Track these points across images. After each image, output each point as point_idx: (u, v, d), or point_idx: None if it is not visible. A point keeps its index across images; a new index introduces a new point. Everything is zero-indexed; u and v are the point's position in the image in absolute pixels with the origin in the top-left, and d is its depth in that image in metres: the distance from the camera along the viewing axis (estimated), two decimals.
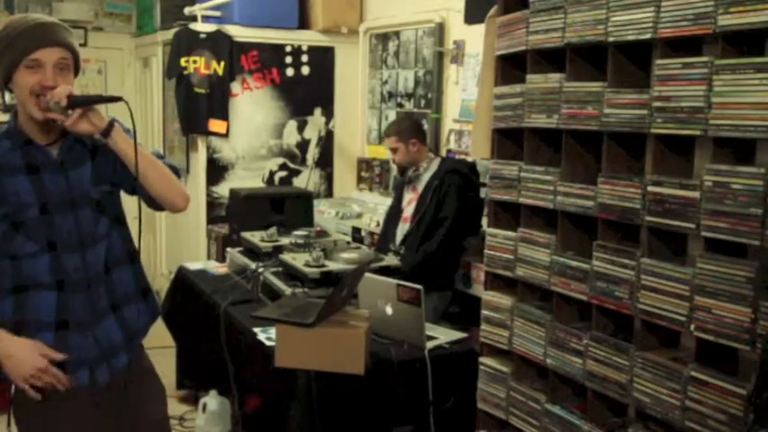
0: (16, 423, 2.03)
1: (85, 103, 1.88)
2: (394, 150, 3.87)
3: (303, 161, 5.48)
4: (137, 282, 2.15)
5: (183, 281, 4.10)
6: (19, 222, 1.92)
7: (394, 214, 4.04)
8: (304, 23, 5.40)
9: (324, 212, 4.98)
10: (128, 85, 6.58)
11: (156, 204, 2.08)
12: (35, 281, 1.96)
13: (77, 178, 2.00)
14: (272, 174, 5.39)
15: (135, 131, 2.00)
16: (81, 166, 2.01)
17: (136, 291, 2.15)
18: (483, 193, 3.64)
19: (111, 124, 1.92)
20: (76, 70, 2.00)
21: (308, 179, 5.41)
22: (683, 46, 2.06)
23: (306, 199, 4.62)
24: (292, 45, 5.33)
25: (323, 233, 4.09)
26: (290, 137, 5.43)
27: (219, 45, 5.09)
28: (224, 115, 5.16)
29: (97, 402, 2.05)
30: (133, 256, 2.15)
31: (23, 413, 2.02)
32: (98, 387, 2.05)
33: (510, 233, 2.66)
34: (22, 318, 1.97)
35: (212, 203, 5.27)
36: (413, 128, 3.88)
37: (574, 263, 2.38)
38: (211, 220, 5.22)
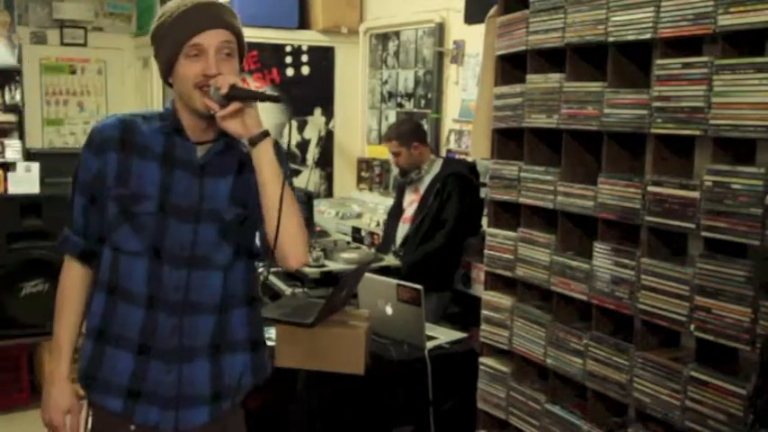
0: None
1: (245, 98, 1.64)
2: (396, 154, 3.87)
3: (303, 161, 5.48)
4: (250, 330, 1.83)
5: None
6: (131, 212, 1.71)
7: (395, 214, 4.04)
8: (304, 23, 5.40)
9: (324, 212, 4.98)
10: (128, 85, 6.58)
11: (267, 251, 1.74)
12: (127, 288, 1.74)
13: (213, 190, 1.74)
14: None
15: (266, 134, 1.69)
16: (222, 177, 1.75)
17: (245, 340, 1.82)
18: (483, 193, 3.65)
19: (264, 134, 1.67)
20: (242, 56, 1.75)
21: (307, 179, 5.41)
22: (683, 46, 2.06)
23: (306, 199, 4.62)
24: (292, 45, 5.33)
25: (323, 233, 4.09)
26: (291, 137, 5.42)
27: None
28: None
29: None
30: (253, 300, 1.85)
31: None
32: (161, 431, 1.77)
33: (510, 233, 2.66)
34: (107, 329, 1.77)
35: None
36: (414, 131, 3.87)
37: (574, 263, 2.38)
38: None
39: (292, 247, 1.71)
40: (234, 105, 1.63)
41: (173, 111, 1.76)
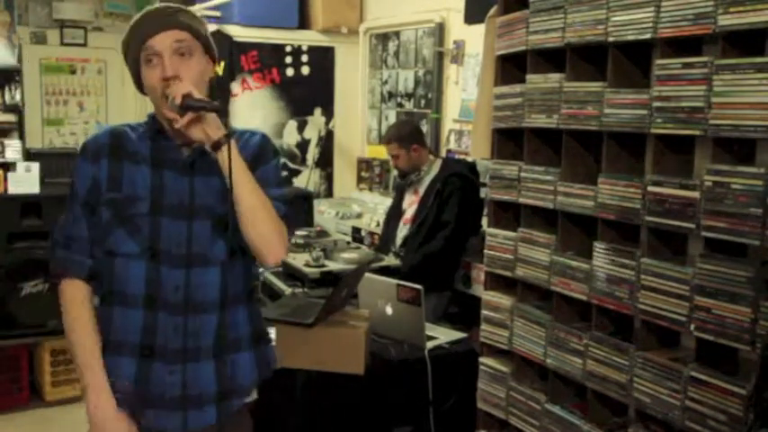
0: None
1: (195, 109, 1.65)
2: (395, 156, 3.87)
3: (303, 161, 5.49)
4: (252, 326, 1.86)
5: None
6: (124, 215, 1.73)
7: (394, 215, 4.04)
8: (304, 23, 5.40)
9: (324, 212, 4.98)
10: (128, 85, 6.58)
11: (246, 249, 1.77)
12: (123, 292, 1.74)
13: (204, 187, 1.76)
14: None
15: (229, 136, 1.68)
16: (212, 174, 1.74)
17: (248, 337, 1.84)
18: (483, 193, 3.65)
19: (226, 137, 1.67)
20: (212, 54, 1.79)
21: (307, 179, 5.41)
22: (683, 46, 2.06)
23: (306, 199, 4.62)
24: (292, 45, 5.34)
25: (323, 233, 4.09)
26: (290, 137, 5.43)
27: (219, 45, 5.08)
28: None
29: None
30: (252, 294, 1.88)
31: None
32: None
33: (510, 233, 2.66)
34: (106, 339, 1.77)
35: None
36: (413, 133, 3.88)
37: (574, 263, 2.37)
38: None
39: (264, 247, 1.73)
40: (189, 115, 1.65)
41: (153, 115, 1.81)
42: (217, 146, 1.67)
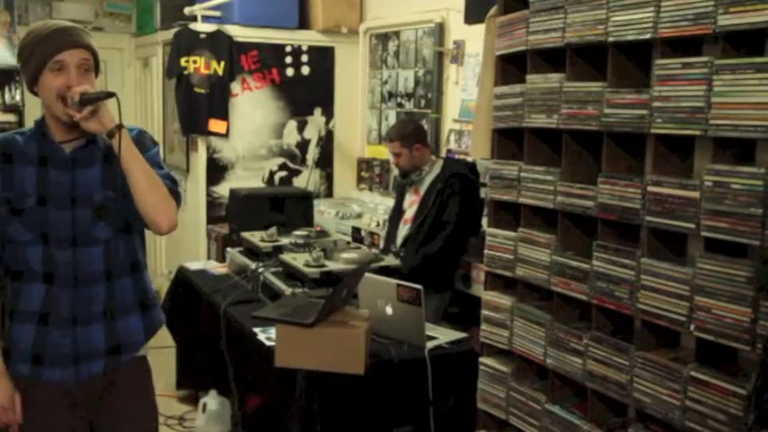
0: None
1: (92, 100, 1.96)
2: (397, 155, 3.87)
3: (303, 161, 5.48)
4: (137, 294, 2.17)
5: (183, 281, 4.11)
6: (18, 210, 2.02)
7: (395, 216, 4.04)
8: (304, 23, 5.40)
9: (324, 212, 4.98)
10: (128, 85, 6.58)
11: (143, 222, 2.08)
12: (27, 270, 2.05)
13: (84, 178, 2.05)
14: (272, 174, 5.39)
15: (120, 126, 1.99)
16: (91, 166, 2.07)
17: (135, 303, 2.16)
18: (483, 193, 3.65)
19: (117, 127, 1.98)
20: (97, 70, 2.10)
21: (308, 179, 5.41)
22: (683, 46, 2.06)
23: (306, 199, 4.62)
24: (292, 45, 5.33)
25: (323, 233, 4.09)
26: (290, 137, 5.43)
27: (219, 45, 5.09)
28: (224, 115, 5.16)
29: (72, 403, 2.10)
30: (136, 267, 2.17)
31: None
32: (64, 386, 2.08)
33: (510, 233, 2.66)
34: (15, 309, 2.08)
35: (212, 203, 5.27)
36: (416, 132, 3.88)
37: (574, 263, 2.38)
38: (211, 219, 5.23)
39: (159, 215, 2.02)
40: (88, 108, 1.94)
41: (41, 119, 2.09)
42: (111, 134, 1.97)
